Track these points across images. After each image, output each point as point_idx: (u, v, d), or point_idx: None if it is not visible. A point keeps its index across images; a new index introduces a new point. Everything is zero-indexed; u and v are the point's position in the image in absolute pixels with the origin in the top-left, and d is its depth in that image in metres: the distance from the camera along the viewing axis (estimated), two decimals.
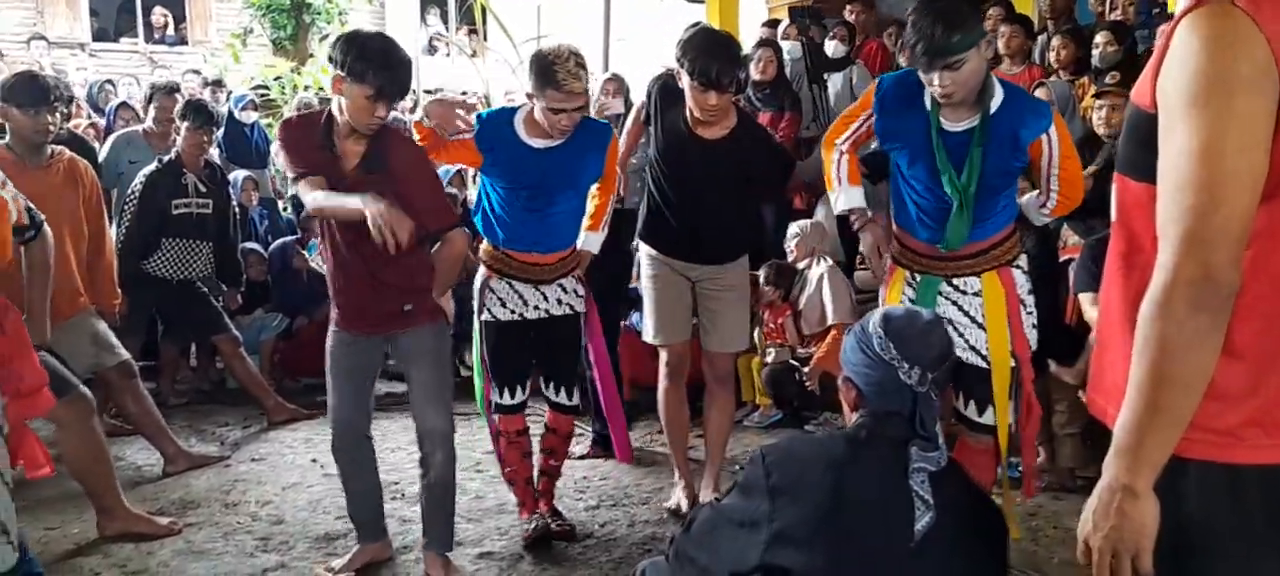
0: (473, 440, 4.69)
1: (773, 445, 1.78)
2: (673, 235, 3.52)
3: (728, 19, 8.67)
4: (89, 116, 7.44)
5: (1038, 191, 2.98)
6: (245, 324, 5.52)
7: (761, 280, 5.12)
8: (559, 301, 3.37)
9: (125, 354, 4.02)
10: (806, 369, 4.81)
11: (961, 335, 2.88)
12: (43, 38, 11.87)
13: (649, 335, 3.68)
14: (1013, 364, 2.93)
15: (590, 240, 3.46)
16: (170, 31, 14.38)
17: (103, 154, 5.43)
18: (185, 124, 4.88)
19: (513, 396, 3.40)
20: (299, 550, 3.41)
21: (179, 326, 5.28)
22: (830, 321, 4.85)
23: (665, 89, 3.52)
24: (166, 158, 4.89)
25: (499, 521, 3.65)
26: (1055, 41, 5.43)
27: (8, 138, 3.81)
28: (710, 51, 3.19)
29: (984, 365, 2.91)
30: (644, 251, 3.63)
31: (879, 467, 1.70)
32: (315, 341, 5.67)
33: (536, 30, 11.20)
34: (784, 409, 4.97)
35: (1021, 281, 2.97)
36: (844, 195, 3.08)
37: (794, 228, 5.17)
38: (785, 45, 6.15)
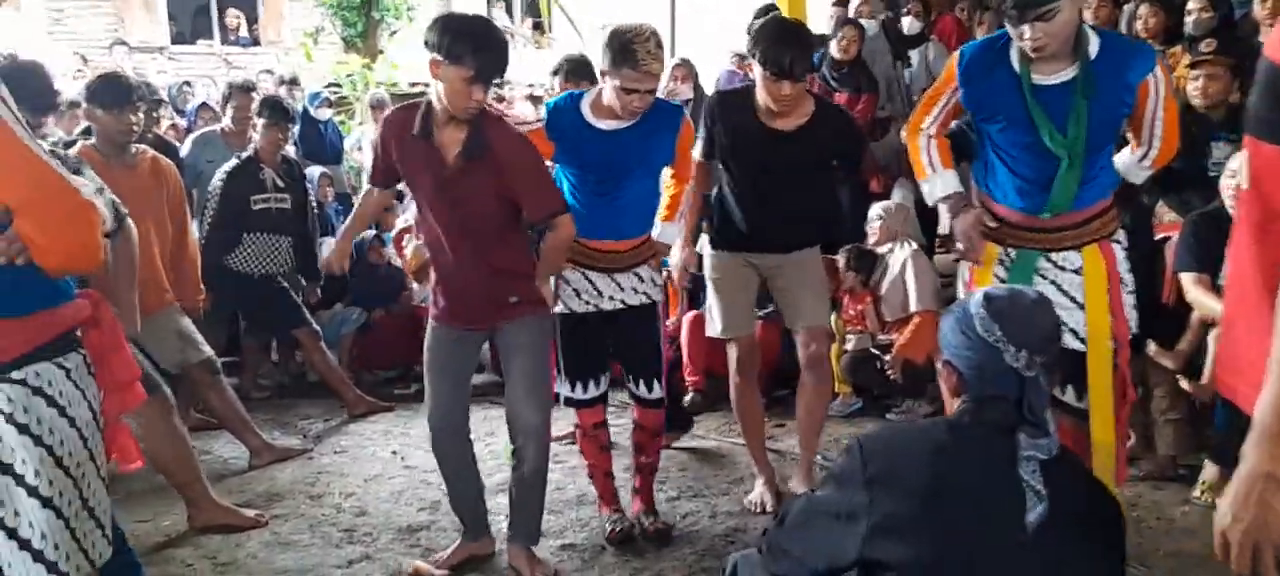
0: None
1: (869, 434, 1.70)
2: (743, 232, 3.44)
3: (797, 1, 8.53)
4: (170, 118, 7.60)
5: (1136, 145, 2.82)
6: (325, 318, 5.57)
7: (841, 265, 5.01)
8: (635, 290, 3.27)
9: (209, 350, 4.09)
10: (887, 356, 4.68)
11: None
12: (124, 43, 12.21)
13: (714, 329, 3.61)
14: (1112, 345, 2.77)
15: (666, 231, 3.37)
16: (244, 32, 14.70)
17: (183, 153, 5.54)
18: (262, 121, 4.95)
19: (586, 390, 3.32)
20: (383, 541, 3.43)
21: (261, 321, 5.36)
22: (913, 308, 4.72)
23: (723, 102, 3.47)
24: (245, 154, 4.97)
25: (579, 513, 3.62)
26: (1143, 9, 5.19)
27: (93, 138, 3.89)
28: (783, 40, 3.12)
29: (1083, 348, 2.78)
30: (707, 249, 3.58)
31: (985, 456, 1.61)
32: (392, 334, 5.76)
33: (602, 20, 11.17)
34: (864, 397, 4.87)
35: (1121, 257, 2.82)
36: (939, 180, 2.92)
37: (875, 210, 5.04)
38: (864, 23, 6.00)
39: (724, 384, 5.00)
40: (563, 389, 3.32)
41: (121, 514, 3.38)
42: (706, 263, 3.60)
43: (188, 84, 9.12)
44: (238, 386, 5.07)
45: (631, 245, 3.26)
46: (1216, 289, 3.64)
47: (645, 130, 3.10)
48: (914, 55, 6.46)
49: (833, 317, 5.07)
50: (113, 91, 3.81)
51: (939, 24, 7.04)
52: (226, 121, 5.75)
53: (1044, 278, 2.79)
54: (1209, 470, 3.57)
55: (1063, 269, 2.79)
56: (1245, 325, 1.30)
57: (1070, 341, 2.75)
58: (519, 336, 2.98)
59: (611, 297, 3.25)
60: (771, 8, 6.46)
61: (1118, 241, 2.83)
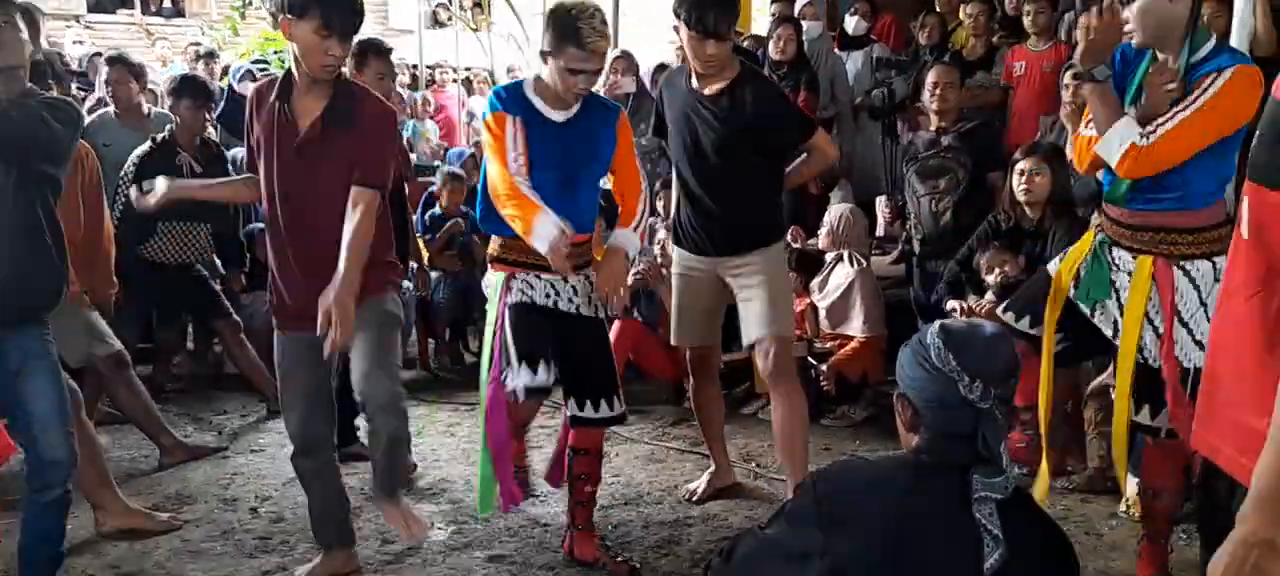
0: (476, 431, 4.53)
1: (824, 470, 1.63)
2: (693, 225, 3.37)
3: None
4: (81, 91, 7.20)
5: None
6: (245, 303, 5.32)
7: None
8: (589, 299, 3.06)
9: (118, 344, 3.86)
10: (824, 367, 4.64)
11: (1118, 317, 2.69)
12: (36, 8, 11.64)
13: (672, 335, 3.59)
14: (1140, 359, 2.65)
15: (626, 238, 3.08)
16: (167, 3, 14.17)
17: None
18: (184, 103, 4.70)
19: (541, 374, 2.95)
20: (300, 551, 3.26)
21: (176, 312, 5.12)
22: (857, 335, 4.67)
23: (669, 77, 3.44)
24: (160, 136, 4.71)
25: (509, 521, 3.49)
26: (1083, 18, 5.20)
27: None
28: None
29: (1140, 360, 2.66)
30: (672, 248, 3.53)
31: (943, 499, 1.55)
32: None
33: (542, 4, 10.98)
34: None
35: (1184, 286, 2.60)
36: None
37: (830, 214, 4.96)
38: (806, 25, 5.94)
39: (657, 385, 5.00)
40: (519, 378, 2.95)
41: (18, 519, 3.19)
42: (672, 260, 3.56)
43: (98, 54, 8.65)
44: (150, 377, 4.83)
45: (585, 239, 3.05)
46: None
47: (593, 124, 2.99)
48: (858, 55, 6.43)
49: None
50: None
51: (877, 24, 7.01)
52: (107, 97, 5.32)
53: (1112, 280, 2.72)
54: (1134, 485, 3.57)
55: (1118, 267, 2.71)
56: (1238, 385, 1.23)
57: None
58: (359, 317, 2.67)
59: (569, 299, 3.03)
60: None
61: (1183, 268, 2.60)
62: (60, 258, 2.75)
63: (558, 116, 2.94)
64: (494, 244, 3.11)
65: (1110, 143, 2.52)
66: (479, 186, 3.13)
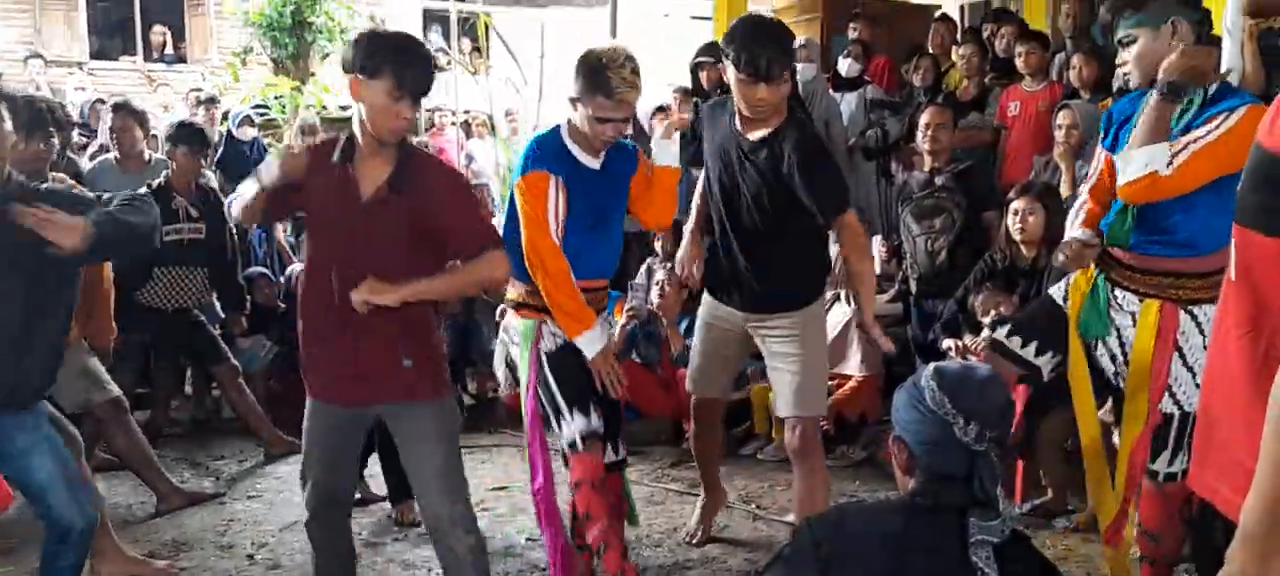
0: (475, 474, 4.51)
1: (821, 515, 1.63)
2: (724, 273, 3.20)
3: None
4: (82, 138, 7.25)
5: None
6: (243, 348, 5.33)
7: None
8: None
9: (116, 389, 3.86)
10: None
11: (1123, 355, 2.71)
12: (40, 56, 11.75)
13: (688, 380, 3.48)
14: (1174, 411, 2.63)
15: (666, 150, 3.03)
16: (169, 50, 14.30)
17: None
18: (180, 149, 4.74)
19: (597, 418, 2.86)
20: None
21: (174, 358, 5.12)
22: (855, 374, 4.69)
23: (711, 109, 3.28)
24: (155, 182, 4.74)
25: (507, 567, 3.47)
26: (1076, 59, 5.26)
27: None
28: (759, 38, 2.89)
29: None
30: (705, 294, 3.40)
31: (940, 541, 1.55)
32: None
33: (540, 48, 11.06)
34: None
35: (1191, 328, 2.59)
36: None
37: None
38: (800, 66, 5.98)
39: (655, 423, 4.99)
40: (573, 428, 2.84)
41: (14, 567, 3.18)
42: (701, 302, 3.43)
43: (101, 101, 8.71)
44: (147, 422, 4.82)
45: (604, 284, 3.05)
46: None
47: (621, 167, 2.96)
48: (852, 97, 6.48)
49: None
50: (20, 117, 3.59)
51: (870, 66, 7.08)
52: (110, 143, 5.37)
53: (1111, 317, 2.71)
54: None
55: (1120, 308, 2.69)
56: (1230, 425, 1.24)
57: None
58: (422, 424, 2.60)
59: None
60: (712, 48, 6.47)
61: (1191, 312, 2.59)
62: (57, 348, 2.81)
63: (593, 164, 2.89)
64: (519, 290, 2.96)
65: (1135, 159, 2.50)
66: (502, 230, 3.01)
